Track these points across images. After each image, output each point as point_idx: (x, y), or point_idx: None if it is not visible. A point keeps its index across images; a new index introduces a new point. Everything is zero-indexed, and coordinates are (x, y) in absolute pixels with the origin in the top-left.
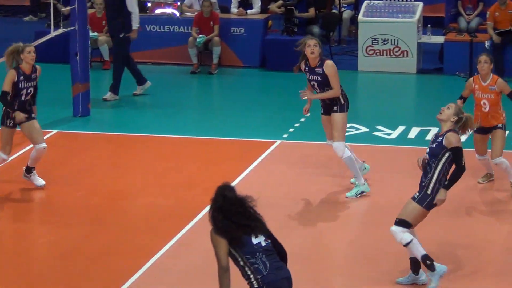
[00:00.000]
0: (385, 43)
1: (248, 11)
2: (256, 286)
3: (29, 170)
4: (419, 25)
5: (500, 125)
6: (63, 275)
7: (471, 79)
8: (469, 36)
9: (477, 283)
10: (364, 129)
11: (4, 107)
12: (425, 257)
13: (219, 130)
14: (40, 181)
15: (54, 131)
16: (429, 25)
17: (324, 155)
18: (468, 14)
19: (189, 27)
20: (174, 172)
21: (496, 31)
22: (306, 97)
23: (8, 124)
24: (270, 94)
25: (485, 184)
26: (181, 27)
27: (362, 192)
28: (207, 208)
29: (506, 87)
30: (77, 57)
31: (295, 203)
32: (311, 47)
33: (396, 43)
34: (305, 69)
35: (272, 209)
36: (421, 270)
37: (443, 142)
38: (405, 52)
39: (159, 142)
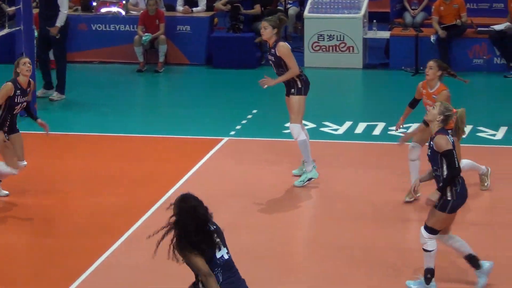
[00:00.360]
0: (331, 39)
1: (194, 9)
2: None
3: None
4: (365, 20)
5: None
6: (14, 276)
7: (420, 83)
8: (415, 31)
9: None
10: (311, 125)
11: None
12: (429, 271)
13: (167, 128)
14: (3, 192)
15: None
16: (374, 21)
17: (272, 151)
18: (413, 9)
19: (135, 26)
20: (123, 171)
21: (442, 26)
22: (266, 86)
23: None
24: (217, 91)
25: None
26: (127, 26)
27: (311, 179)
28: (157, 205)
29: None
30: (23, 55)
31: (243, 200)
32: (262, 28)
33: (342, 39)
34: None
35: (221, 206)
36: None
37: (434, 148)
38: (351, 48)
39: (107, 141)
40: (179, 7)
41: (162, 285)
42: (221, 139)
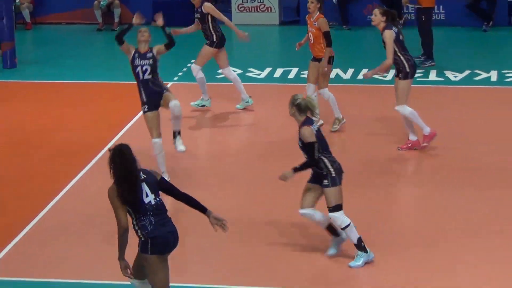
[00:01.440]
0: (253, 1)
1: None
2: (143, 239)
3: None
4: None
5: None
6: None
7: (307, 15)
8: None
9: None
10: (239, 71)
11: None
12: (360, 240)
13: (121, 75)
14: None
15: None
16: None
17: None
18: None
19: None
20: (83, 113)
21: None
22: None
23: (144, 110)
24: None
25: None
26: None
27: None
28: (113, 141)
29: (324, 26)
30: (4, 21)
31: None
32: None
33: (261, 1)
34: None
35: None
36: (339, 230)
37: (301, 138)
38: (269, 8)
39: (73, 88)
40: None
41: None
42: (167, 83)
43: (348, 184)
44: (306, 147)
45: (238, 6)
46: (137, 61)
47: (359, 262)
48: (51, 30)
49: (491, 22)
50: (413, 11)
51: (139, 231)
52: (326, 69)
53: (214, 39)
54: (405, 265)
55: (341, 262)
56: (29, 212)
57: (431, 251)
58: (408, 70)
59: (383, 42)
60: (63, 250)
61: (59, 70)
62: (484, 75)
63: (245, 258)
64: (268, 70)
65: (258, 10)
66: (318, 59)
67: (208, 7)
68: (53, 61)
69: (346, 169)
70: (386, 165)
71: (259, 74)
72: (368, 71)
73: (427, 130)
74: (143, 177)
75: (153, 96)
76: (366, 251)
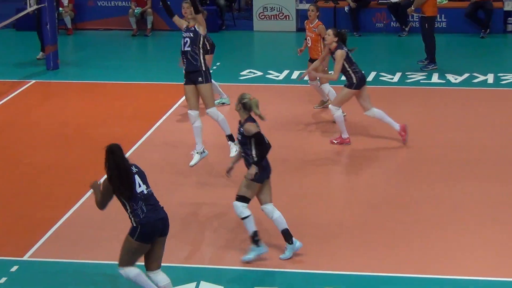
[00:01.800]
0: (273, 10)
1: None
2: (134, 225)
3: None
4: None
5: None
6: (46, 185)
7: (306, 21)
8: (333, 3)
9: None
10: (259, 73)
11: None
12: (254, 234)
13: (153, 76)
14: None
15: (33, 81)
16: None
17: (229, 93)
18: None
19: (129, 2)
20: (120, 110)
21: None
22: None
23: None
24: None
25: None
26: (123, 2)
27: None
28: (146, 135)
29: (323, 31)
30: (48, 26)
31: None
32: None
33: (280, 10)
34: None
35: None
36: (293, 238)
37: (244, 133)
38: (287, 16)
39: (110, 87)
40: None
41: None
42: None
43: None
44: (255, 139)
45: (259, 14)
46: (183, 34)
47: (251, 255)
48: (90, 35)
49: (488, 30)
50: (417, 20)
51: (132, 218)
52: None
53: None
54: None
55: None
56: (71, 198)
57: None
58: (354, 81)
59: (333, 59)
60: (101, 234)
61: (97, 71)
62: (481, 77)
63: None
64: (286, 72)
65: (277, 18)
66: (314, 60)
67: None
68: (91, 63)
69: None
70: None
71: (277, 76)
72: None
73: (346, 135)
74: (135, 171)
75: (189, 69)
76: (258, 245)
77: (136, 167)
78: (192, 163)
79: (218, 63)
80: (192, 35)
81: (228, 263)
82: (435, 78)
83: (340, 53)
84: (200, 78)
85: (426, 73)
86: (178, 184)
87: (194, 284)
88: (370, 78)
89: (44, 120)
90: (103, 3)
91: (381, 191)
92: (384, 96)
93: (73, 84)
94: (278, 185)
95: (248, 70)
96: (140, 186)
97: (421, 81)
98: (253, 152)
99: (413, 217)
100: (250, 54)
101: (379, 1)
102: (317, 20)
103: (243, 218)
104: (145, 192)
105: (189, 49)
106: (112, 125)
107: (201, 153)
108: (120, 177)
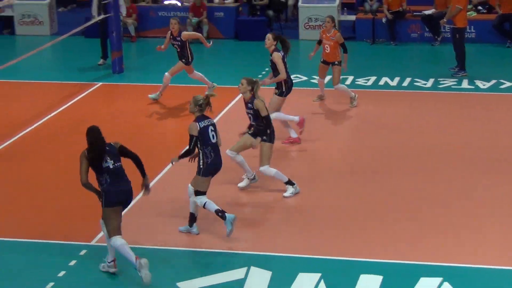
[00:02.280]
0: (317, 20)
1: (226, 1)
2: (102, 193)
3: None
4: (339, 8)
5: (336, 62)
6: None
7: (321, 30)
8: (372, 15)
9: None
10: (304, 78)
11: None
12: (218, 211)
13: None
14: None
15: (100, 83)
16: (345, 8)
17: None
18: (371, 0)
19: (187, 12)
20: (177, 111)
21: (390, 11)
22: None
23: None
24: (241, 55)
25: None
26: (181, 12)
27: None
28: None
29: (340, 38)
30: (114, 34)
31: None
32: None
33: (324, 21)
34: None
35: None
36: (195, 224)
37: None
38: None
39: (170, 89)
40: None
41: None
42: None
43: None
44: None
45: (304, 24)
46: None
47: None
48: (151, 42)
49: None
50: (449, 30)
51: (100, 186)
52: (345, 70)
53: (283, 88)
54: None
55: None
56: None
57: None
58: (283, 90)
59: (271, 61)
60: (162, 220)
61: (158, 75)
62: (507, 84)
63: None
64: (328, 77)
65: (321, 28)
66: (329, 63)
67: (276, 56)
68: (153, 68)
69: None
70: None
71: None
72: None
73: (296, 119)
74: (107, 149)
75: (256, 130)
76: (224, 218)
77: (109, 145)
78: (241, 184)
79: (266, 69)
80: (252, 112)
81: (277, 250)
82: (465, 84)
83: (277, 55)
84: (265, 137)
85: (457, 79)
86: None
87: (245, 269)
88: (405, 83)
89: (110, 118)
90: (163, 14)
91: (425, 191)
92: (418, 100)
93: (136, 86)
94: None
95: (294, 75)
96: (107, 162)
97: (452, 87)
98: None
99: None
100: (296, 61)
101: (414, 13)
102: (333, 29)
103: (204, 206)
104: (111, 167)
105: (254, 123)
106: (169, 124)
107: (252, 179)
108: (96, 151)
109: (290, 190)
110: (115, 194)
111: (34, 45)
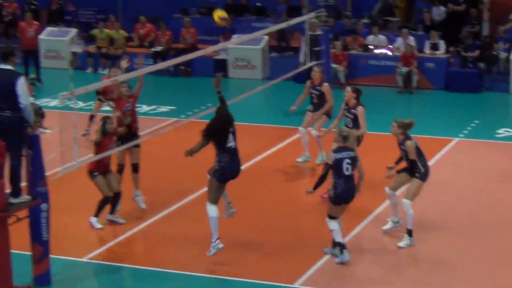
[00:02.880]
0: None
1: (437, 52)
2: (217, 168)
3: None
4: None
5: None
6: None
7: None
8: None
9: None
10: None
11: None
12: (339, 244)
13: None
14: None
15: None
16: None
17: (490, 149)
18: None
19: (397, 61)
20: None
21: None
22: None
23: None
24: (452, 105)
25: None
26: (391, 62)
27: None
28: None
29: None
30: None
31: None
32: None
33: None
34: None
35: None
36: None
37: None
38: None
39: (376, 138)
40: (427, 50)
41: None
42: (452, 139)
43: None
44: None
45: None
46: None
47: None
48: (365, 91)
49: None
50: None
51: (217, 163)
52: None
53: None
54: None
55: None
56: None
57: None
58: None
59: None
60: (370, 268)
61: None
62: None
63: None
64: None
65: None
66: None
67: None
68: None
69: None
70: None
71: None
72: None
73: None
74: (231, 130)
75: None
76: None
77: (233, 127)
78: (385, 227)
79: (476, 121)
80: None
81: None
82: None
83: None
84: (417, 174)
85: None
86: None
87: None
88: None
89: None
90: (373, 62)
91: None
92: None
93: None
94: None
95: (503, 129)
96: (230, 142)
97: None
98: None
99: None
100: (506, 114)
101: None
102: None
103: (331, 231)
104: (233, 146)
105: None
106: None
107: (396, 222)
108: (218, 131)
109: (406, 241)
110: (230, 172)
111: (246, 88)
